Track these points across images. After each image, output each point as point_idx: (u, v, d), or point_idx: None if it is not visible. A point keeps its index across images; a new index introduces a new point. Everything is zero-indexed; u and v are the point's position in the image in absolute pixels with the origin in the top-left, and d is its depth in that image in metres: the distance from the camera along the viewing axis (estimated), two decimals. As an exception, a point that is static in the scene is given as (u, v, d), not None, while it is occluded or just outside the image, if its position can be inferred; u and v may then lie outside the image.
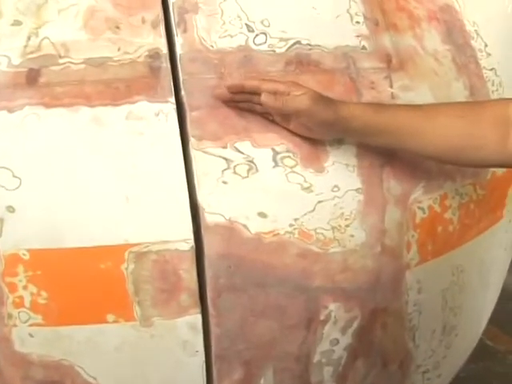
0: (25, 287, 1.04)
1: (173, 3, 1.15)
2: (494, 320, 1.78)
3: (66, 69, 1.09)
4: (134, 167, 1.06)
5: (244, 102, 1.11)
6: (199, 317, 1.08)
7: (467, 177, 1.27)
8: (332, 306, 1.13)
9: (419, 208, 1.18)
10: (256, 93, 1.09)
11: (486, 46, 1.33)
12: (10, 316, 1.05)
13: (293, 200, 1.09)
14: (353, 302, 1.15)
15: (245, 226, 1.07)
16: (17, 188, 1.03)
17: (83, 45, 1.10)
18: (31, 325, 1.06)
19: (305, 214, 1.09)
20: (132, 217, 1.05)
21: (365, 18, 1.21)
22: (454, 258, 1.28)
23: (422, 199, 1.19)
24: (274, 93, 1.08)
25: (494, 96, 1.32)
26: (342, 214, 1.11)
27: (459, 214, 1.25)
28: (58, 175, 1.05)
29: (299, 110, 1.07)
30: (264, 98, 1.08)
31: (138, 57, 1.11)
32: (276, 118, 1.11)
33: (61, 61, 1.09)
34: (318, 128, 1.10)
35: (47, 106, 1.06)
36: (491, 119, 1.08)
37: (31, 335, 1.06)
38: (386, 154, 1.15)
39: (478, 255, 1.37)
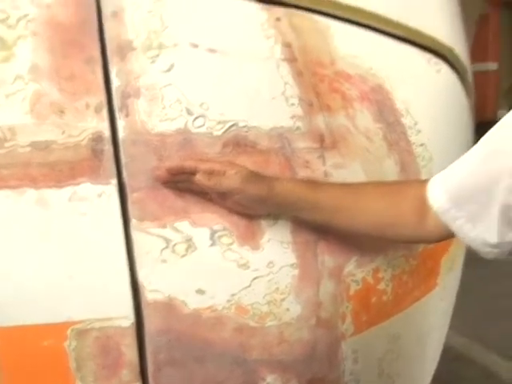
0: (-31, 365, 1.07)
1: (116, 88, 1.20)
2: (438, 380, 1.83)
3: (12, 152, 1.13)
4: (76, 247, 1.10)
5: (183, 183, 1.16)
6: (140, 391, 1.12)
7: (399, 249, 1.33)
8: (269, 378, 1.17)
9: (353, 280, 1.24)
10: (194, 173, 1.15)
11: (415, 123, 1.40)
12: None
13: (230, 277, 1.14)
14: (290, 374, 1.19)
15: (183, 302, 1.11)
16: (-38, 268, 1.07)
17: (29, 128, 1.15)
18: (-24, 402, 1.08)
19: (241, 290, 1.14)
20: (75, 295, 1.09)
21: (299, 99, 1.27)
22: (390, 326, 1.33)
23: (356, 272, 1.24)
24: (211, 172, 1.14)
25: (424, 170, 1.38)
26: (278, 288, 1.17)
27: (392, 285, 1.31)
28: (3, 254, 1.09)
29: (232, 188, 1.14)
30: (198, 177, 1.14)
31: (82, 140, 1.15)
32: (213, 196, 1.17)
33: (7, 144, 1.13)
34: (253, 204, 1.16)
35: (-7, 188, 1.10)
36: (410, 199, 1.16)
37: (-24, 412, 1.09)
38: (320, 229, 1.21)
39: (414, 323, 1.42)
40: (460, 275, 1.67)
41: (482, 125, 1.58)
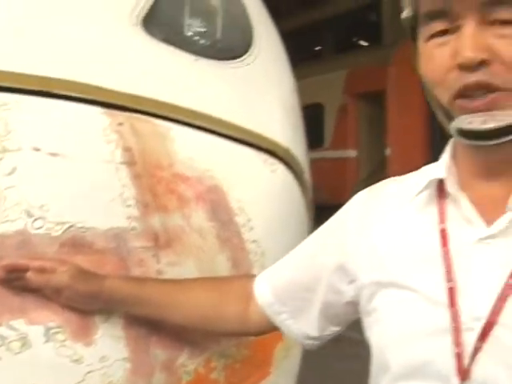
0: None
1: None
2: None
3: None
4: None
5: (18, 281, 1.22)
6: None
7: (232, 339, 1.41)
8: None
9: (185, 372, 1.31)
10: (27, 271, 1.21)
11: (249, 220, 1.50)
12: None
13: (63, 372, 1.20)
14: None
15: (18, 398, 1.16)
16: None
17: None
18: None
19: (75, 385, 1.20)
20: None
21: (136, 201, 1.35)
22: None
23: (187, 363, 1.32)
24: (43, 270, 1.21)
25: (257, 265, 1.48)
26: (111, 382, 1.23)
27: (225, 374, 1.39)
28: None
29: (61, 284, 1.21)
30: (29, 275, 1.20)
31: None
32: (47, 293, 1.23)
33: None
34: (84, 300, 1.24)
35: None
36: (237, 294, 1.26)
37: None
38: (153, 324, 1.28)
39: (249, 410, 1.50)
40: (298, 360, 1.75)
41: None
